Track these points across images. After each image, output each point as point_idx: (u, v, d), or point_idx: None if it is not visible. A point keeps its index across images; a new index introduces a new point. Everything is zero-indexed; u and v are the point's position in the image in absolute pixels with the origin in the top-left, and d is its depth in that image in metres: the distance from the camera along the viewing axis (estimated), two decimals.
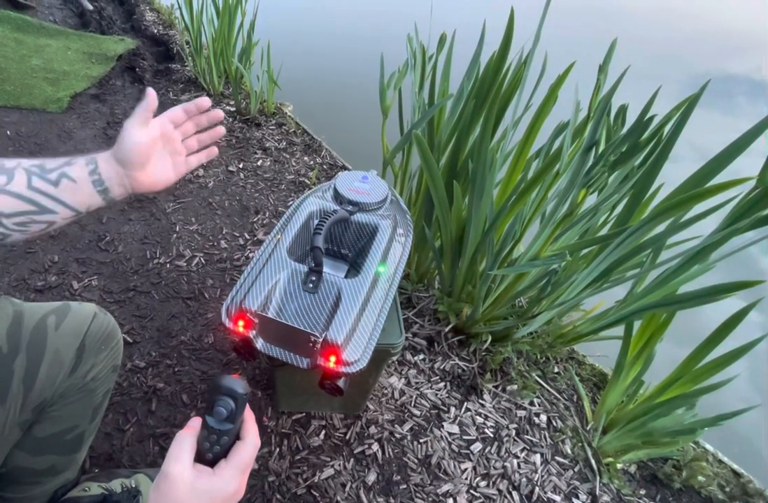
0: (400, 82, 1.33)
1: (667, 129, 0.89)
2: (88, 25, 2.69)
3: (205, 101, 0.64)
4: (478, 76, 1.07)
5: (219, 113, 0.67)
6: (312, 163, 1.95)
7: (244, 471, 0.47)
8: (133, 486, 0.71)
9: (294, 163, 1.93)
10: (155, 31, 2.75)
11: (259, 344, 0.68)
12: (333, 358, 0.65)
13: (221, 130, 0.68)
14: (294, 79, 2.37)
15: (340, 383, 0.68)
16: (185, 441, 0.45)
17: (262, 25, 2.03)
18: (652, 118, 0.90)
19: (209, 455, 0.46)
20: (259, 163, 1.89)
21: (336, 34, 3.80)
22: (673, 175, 0.95)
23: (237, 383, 0.47)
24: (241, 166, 1.86)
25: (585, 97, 1.02)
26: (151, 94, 0.56)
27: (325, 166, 1.93)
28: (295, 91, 2.41)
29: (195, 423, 0.47)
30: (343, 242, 0.86)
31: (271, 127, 2.13)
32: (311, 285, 0.70)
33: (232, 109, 2.20)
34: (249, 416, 0.49)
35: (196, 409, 1.07)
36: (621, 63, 1.00)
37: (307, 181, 1.83)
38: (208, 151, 0.68)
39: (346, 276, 0.85)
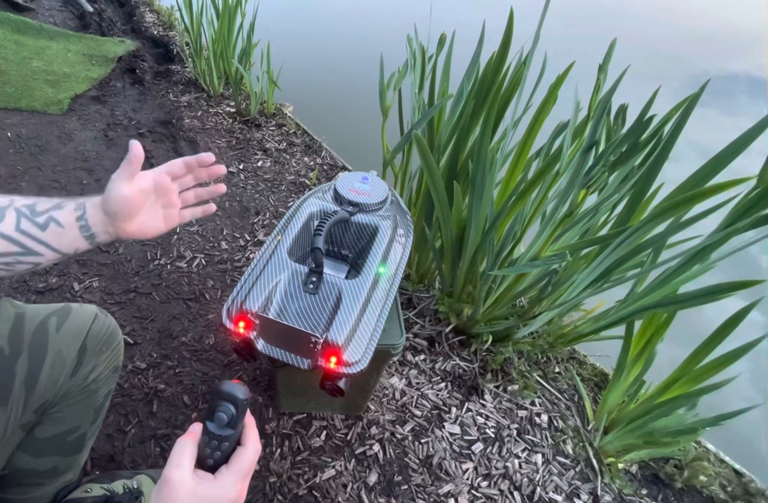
0: (399, 83, 1.33)
1: (667, 128, 0.89)
2: (88, 26, 2.70)
3: (208, 157, 0.63)
4: (477, 76, 1.07)
5: (221, 169, 0.65)
6: (312, 163, 1.95)
7: (245, 477, 0.47)
8: (135, 486, 0.71)
9: (294, 164, 1.93)
10: (155, 32, 2.76)
11: (260, 345, 0.68)
12: (334, 359, 0.65)
13: (222, 187, 0.66)
14: (294, 79, 2.37)
15: (341, 384, 0.67)
16: (186, 447, 0.45)
17: (262, 26, 2.03)
18: (652, 118, 0.90)
19: (210, 461, 0.46)
20: (259, 164, 1.90)
21: (336, 35, 3.80)
22: (673, 175, 0.95)
23: (238, 388, 0.46)
24: (241, 167, 1.87)
25: (585, 96, 1.02)
26: (136, 147, 0.54)
27: (325, 167, 1.93)
28: (295, 92, 2.41)
29: (196, 429, 0.47)
30: (344, 243, 0.86)
31: (271, 128, 2.14)
32: (312, 286, 0.70)
33: (232, 109, 2.21)
34: (250, 421, 0.49)
35: (197, 410, 1.07)
36: (621, 62, 1.00)
37: (307, 181, 1.83)
38: (205, 207, 0.67)
39: (346, 277, 0.85)
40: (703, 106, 0.84)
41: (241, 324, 0.67)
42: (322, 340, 0.64)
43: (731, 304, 0.94)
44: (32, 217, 0.53)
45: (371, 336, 0.68)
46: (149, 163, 1.79)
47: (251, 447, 0.47)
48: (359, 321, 0.68)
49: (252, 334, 0.67)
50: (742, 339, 0.92)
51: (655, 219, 0.84)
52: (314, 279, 0.70)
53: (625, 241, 0.91)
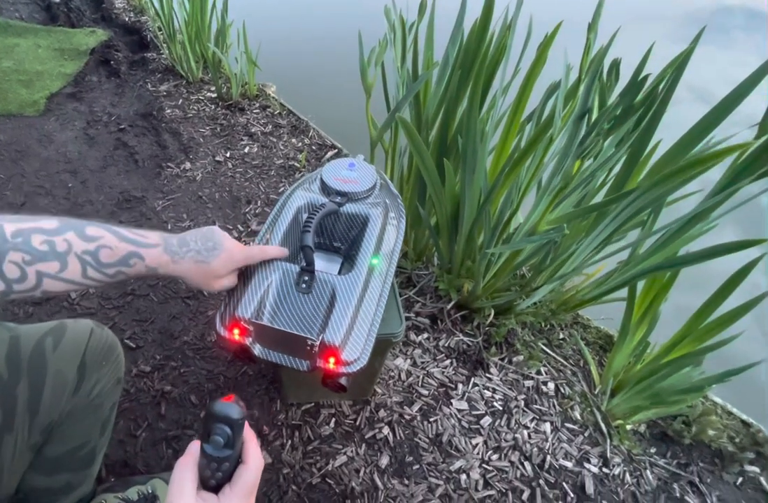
0: (381, 58, 1.28)
1: (661, 87, 0.85)
2: (57, 19, 2.59)
3: None
4: (462, 42, 1.02)
5: None
6: (300, 144, 1.90)
7: (249, 495, 0.46)
8: (150, 491, 0.72)
9: (282, 147, 1.89)
10: (126, 19, 2.65)
11: (257, 350, 0.67)
12: (332, 359, 0.64)
13: None
14: (274, 58, 2.29)
15: (343, 381, 0.67)
16: (185, 472, 0.45)
17: (236, 4, 1.94)
18: (646, 78, 0.86)
19: (212, 481, 0.46)
20: (246, 150, 1.85)
21: (312, 9, 3.64)
22: (672, 119, 0.91)
23: (231, 408, 0.45)
24: (228, 154, 1.82)
25: (575, 58, 0.96)
26: None
27: (314, 147, 1.89)
28: (276, 71, 2.33)
29: (193, 449, 0.47)
30: (335, 235, 0.84)
31: (255, 111, 2.08)
32: (304, 285, 0.68)
33: (213, 94, 2.14)
34: (249, 437, 0.48)
35: (205, 409, 1.07)
36: (612, 14, 0.94)
37: (296, 164, 1.79)
38: None
39: (340, 271, 0.83)
40: (699, 43, 0.81)
41: (236, 331, 0.66)
42: (318, 342, 0.63)
43: (735, 260, 0.92)
44: (99, 267, 0.53)
45: (369, 332, 0.68)
46: (134, 159, 1.75)
47: (252, 464, 0.47)
48: (355, 319, 0.67)
49: (248, 340, 0.66)
50: (741, 298, 0.91)
51: (656, 186, 0.82)
52: (306, 278, 0.69)
53: (625, 210, 0.89)
